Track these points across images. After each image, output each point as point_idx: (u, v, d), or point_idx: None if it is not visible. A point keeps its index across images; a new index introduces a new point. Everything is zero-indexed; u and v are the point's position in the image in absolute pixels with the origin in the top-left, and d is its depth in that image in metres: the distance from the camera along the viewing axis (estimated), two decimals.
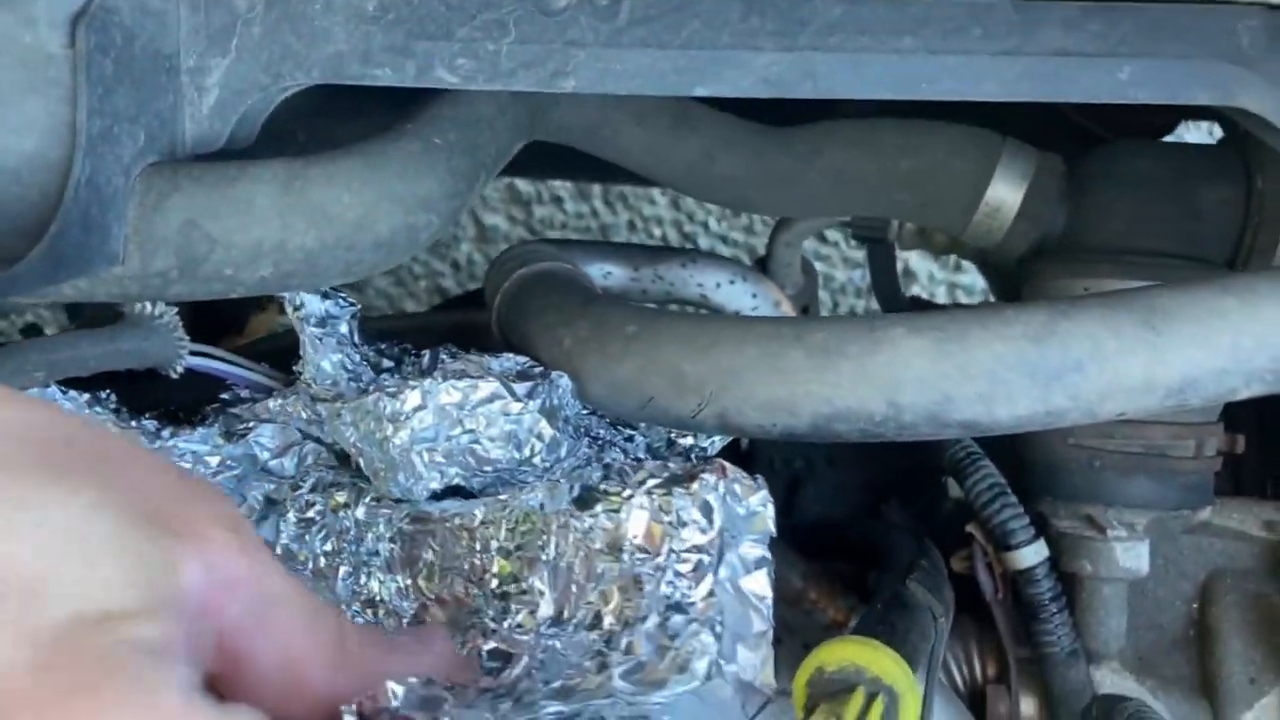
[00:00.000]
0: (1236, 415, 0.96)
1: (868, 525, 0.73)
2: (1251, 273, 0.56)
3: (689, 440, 0.67)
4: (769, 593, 0.50)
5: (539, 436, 0.55)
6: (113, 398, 0.62)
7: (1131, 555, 0.68)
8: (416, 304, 1.90)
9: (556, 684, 0.46)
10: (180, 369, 0.60)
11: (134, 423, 0.60)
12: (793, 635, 0.65)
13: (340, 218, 0.54)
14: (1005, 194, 0.72)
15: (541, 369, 0.58)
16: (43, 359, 0.56)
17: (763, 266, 0.99)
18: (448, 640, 0.47)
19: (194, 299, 0.56)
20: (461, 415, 0.54)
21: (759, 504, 0.51)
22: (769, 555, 0.51)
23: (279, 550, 0.57)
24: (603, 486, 0.51)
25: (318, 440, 0.61)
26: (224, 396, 0.64)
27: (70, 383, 0.60)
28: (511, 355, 0.60)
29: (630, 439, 0.64)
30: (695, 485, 0.50)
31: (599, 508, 0.50)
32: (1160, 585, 0.72)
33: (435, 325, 0.72)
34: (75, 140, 0.50)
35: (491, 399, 0.55)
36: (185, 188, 0.53)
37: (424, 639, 0.45)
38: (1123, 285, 0.66)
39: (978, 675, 0.73)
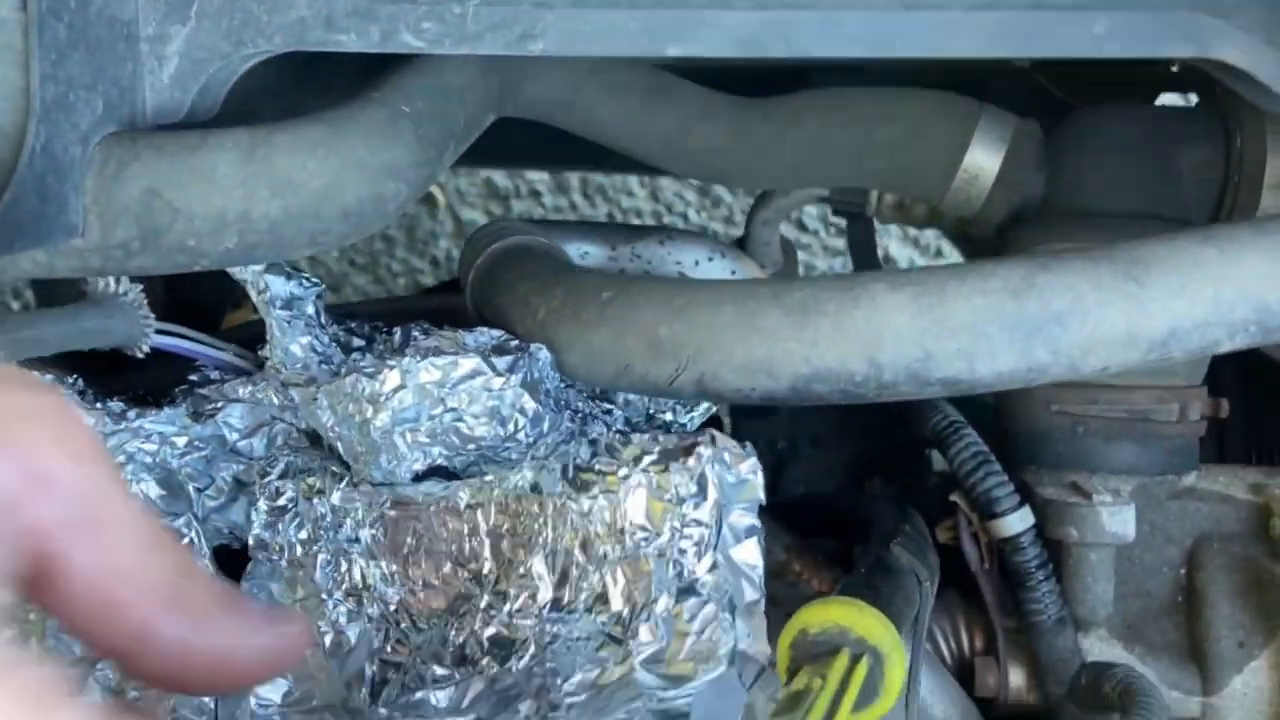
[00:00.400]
0: (1220, 380, 0.96)
1: (851, 497, 0.73)
2: (1233, 224, 0.55)
3: (668, 416, 0.66)
4: (759, 561, 0.50)
5: (522, 411, 0.54)
6: (79, 381, 0.60)
7: (1118, 520, 0.67)
8: None
9: (576, 677, 0.46)
10: (146, 348, 0.59)
11: (99, 404, 0.59)
12: (777, 607, 0.63)
13: (305, 186, 0.53)
14: (983, 160, 0.71)
15: (518, 342, 0.57)
16: (3, 338, 0.54)
17: (741, 246, 0.98)
18: (307, 630, 0.41)
19: (157, 272, 0.54)
20: (443, 393, 0.53)
21: (749, 472, 0.51)
22: (758, 524, 0.50)
23: (251, 540, 0.56)
24: (597, 466, 0.51)
25: (288, 420, 0.60)
26: (192, 378, 0.62)
27: (35, 364, 0.58)
28: (486, 330, 0.59)
29: (609, 412, 0.63)
30: (691, 460, 0.49)
31: (596, 489, 0.50)
32: (1147, 551, 0.71)
33: (412, 309, 0.71)
34: (29, 106, 0.48)
35: (473, 375, 0.54)
36: (145, 156, 0.52)
37: (278, 618, 0.39)
38: None
39: (965, 647, 0.72)
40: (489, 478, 0.53)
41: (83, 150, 0.51)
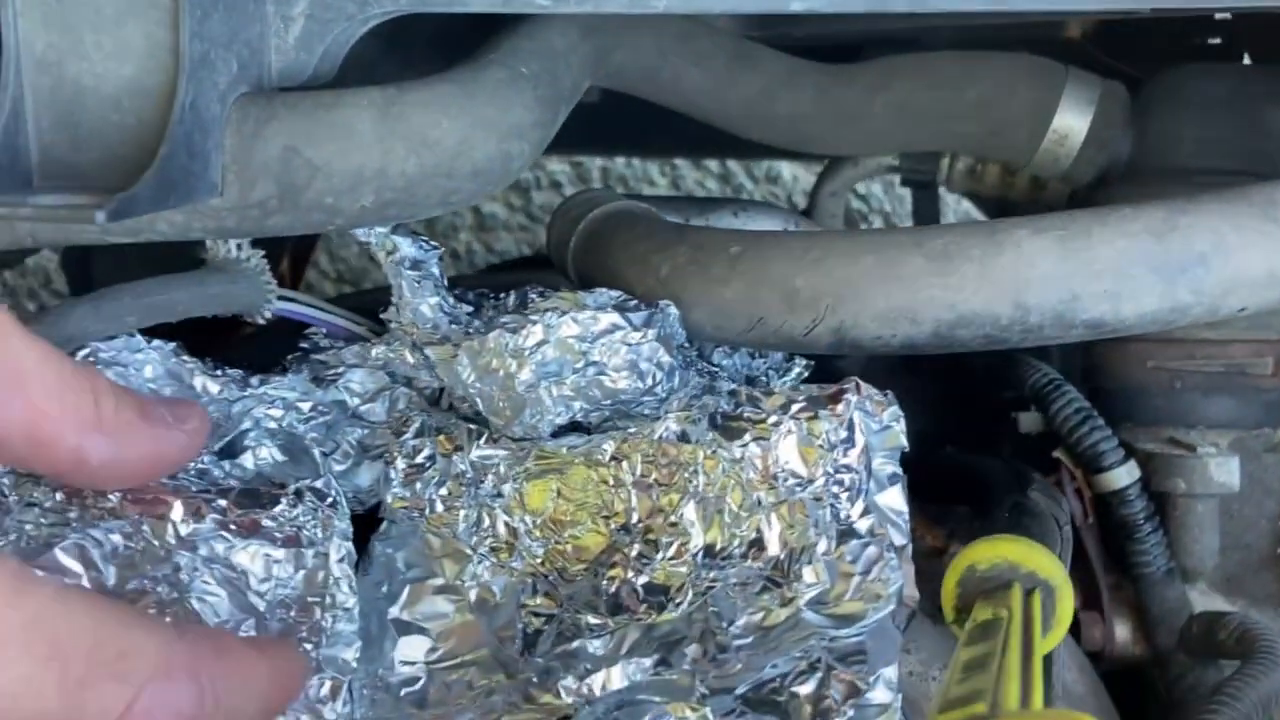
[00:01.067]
0: None
1: (955, 456, 0.73)
2: None
3: (761, 379, 0.66)
4: (905, 507, 0.50)
5: (659, 365, 0.54)
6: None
7: (1224, 470, 0.67)
8: None
9: (741, 620, 0.46)
10: (268, 314, 0.59)
11: (219, 371, 0.58)
12: None
13: (439, 144, 0.53)
14: (1072, 120, 0.72)
15: (641, 300, 0.57)
16: (136, 303, 0.54)
17: (808, 216, 0.98)
18: (205, 419, 0.50)
19: (291, 232, 0.54)
20: (584, 348, 0.53)
21: (891, 419, 0.51)
22: (900, 471, 0.51)
23: (389, 498, 0.56)
24: (744, 414, 0.51)
25: (408, 383, 0.59)
26: (303, 345, 0.62)
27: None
28: (604, 290, 0.59)
29: (715, 374, 0.63)
30: (840, 406, 0.49)
31: (747, 436, 0.50)
32: (1245, 504, 0.71)
33: (493, 284, 0.71)
34: (178, 64, 0.48)
35: (611, 330, 0.54)
36: (283, 114, 0.52)
37: (180, 412, 0.48)
38: None
39: None
40: (631, 429, 0.53)
41: (222, 109, 0.51)
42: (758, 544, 0.49)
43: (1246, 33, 0.88)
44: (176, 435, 0.47)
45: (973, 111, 0.73)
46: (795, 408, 0.51)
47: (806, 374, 0.66)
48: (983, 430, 0.89)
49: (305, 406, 0.58)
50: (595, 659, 0.49)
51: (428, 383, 0.58)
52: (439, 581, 0.54)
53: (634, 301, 0.57)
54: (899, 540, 0.50)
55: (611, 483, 0.52)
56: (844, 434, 0.50)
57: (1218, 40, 0.94)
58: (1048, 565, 0.48)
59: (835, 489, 0.49)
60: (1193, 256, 0.51)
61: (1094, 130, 0.72)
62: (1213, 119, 0.72)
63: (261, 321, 0.59)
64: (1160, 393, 0.71)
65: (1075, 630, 0.71)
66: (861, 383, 0.51)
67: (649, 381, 0.54)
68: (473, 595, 0.53)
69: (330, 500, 0.51)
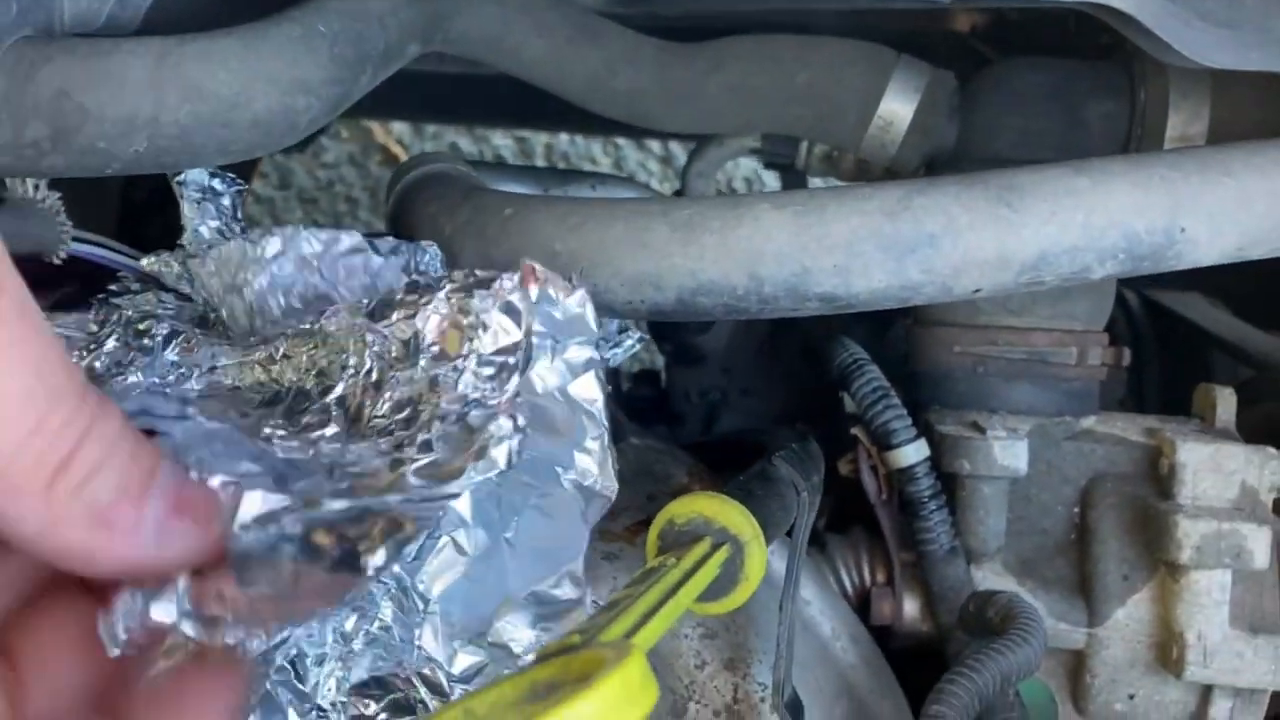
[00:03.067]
0: (1138, 336, 0.98)
1: (760, 431, 0.75)
2: (1108, 157, 0.57)
3: None
4: (599, 395, 0.47)
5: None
6: None
7: (1009, 454, 0.69)
8: None
9: (344, 484, 0.42)
10: (63, 254, 0.61)
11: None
12: None
13: (215, 94, 0.55)
14: (898, 107, 0.73)
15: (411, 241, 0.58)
16: None
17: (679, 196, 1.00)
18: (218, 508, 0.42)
19: (69, 174, 0.56)
20: (321, 264, 0.55)
21: (577, 305, 0.47)
22: (596, 356, 0.48)
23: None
24: (401, 297, 0.48)
25: (187, 298, 0.60)
26: (111, 288, 0.64)
27: None
28: (393, 238, 0.60)
29: None
30: (495, 285, 0.46)
31: (395, 315, 0.47)
32: (1043, 490, 0.73)
33: None
34: None
35: (352, 252, 0.55)
36: (58, 59, 0.53)
37: (188, 507, 0.40)
38: None
39: (867, 580, 0.74)
40: (305, 325, 0.51)
41: None
42: (393, 422, 0.46)
43: None
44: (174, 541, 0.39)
45: (802, 95, 0.74)
46: (449, 287, 0.48)
47: (638, 346, 0.68)
48: (827, 407, 0.91)
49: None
50: None
51: (200, 295, 0.59)
52: None
53: (386, 239, 0.58)
54: (594, 431, 0.47)
55: (275, 377, 0.51)
56: (499, 317, 0.46)
57: (1108, 39, 0.95)
58: (739, 522, 0.49)
59: (480, 369, 0.46)
60: (923, 236, 0.53)
61: (918, 118, 0.73)
62: (1032, 111, 0.73)
63: (57, 261, 0.61)
64: (964, 377, 0.73)
65: (866, 604, 0.73)
66: (538, 267, 0.47)
67: None
68: None
69: None
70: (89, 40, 0.55)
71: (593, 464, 0.46)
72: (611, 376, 1.03)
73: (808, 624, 0.64)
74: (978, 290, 0.54)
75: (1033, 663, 0.61)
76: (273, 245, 0.54)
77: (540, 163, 1.94)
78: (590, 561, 0.56)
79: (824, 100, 0.74)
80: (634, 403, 1.09)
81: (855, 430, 0.71)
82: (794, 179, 0.98)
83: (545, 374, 0.46)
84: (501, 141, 1.90)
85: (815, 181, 1.04)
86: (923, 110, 0.73)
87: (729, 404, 1.02)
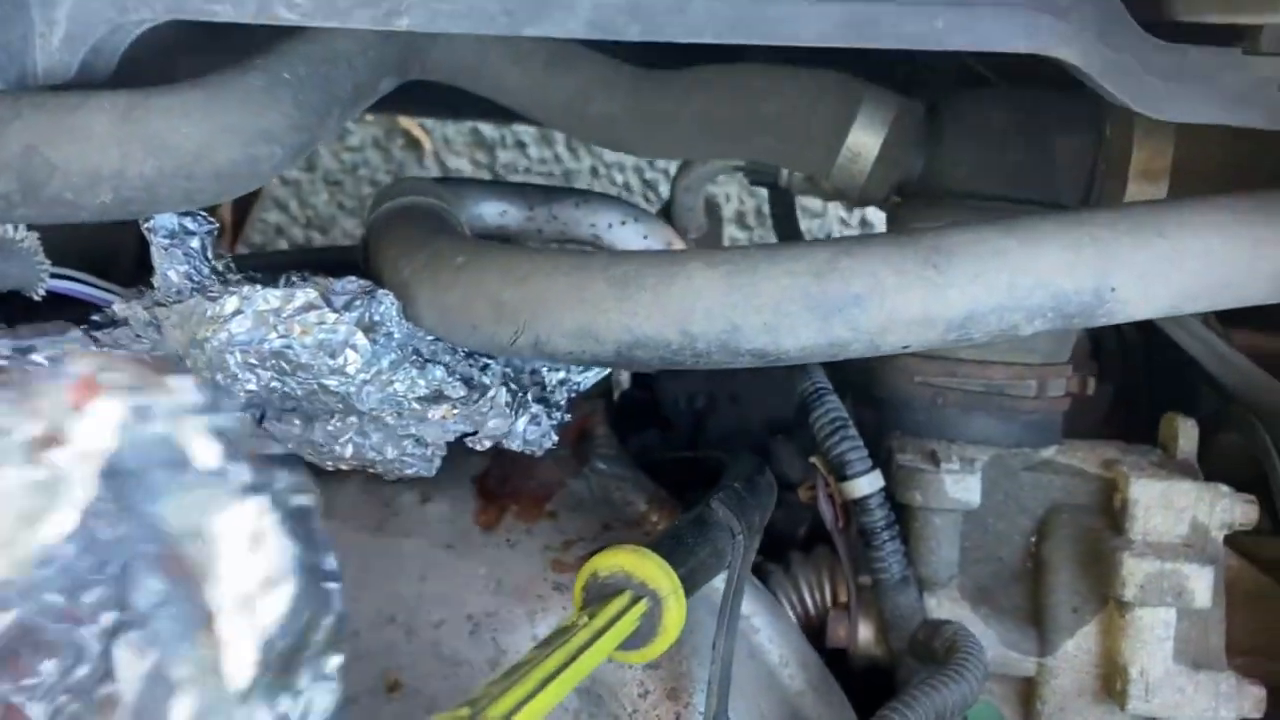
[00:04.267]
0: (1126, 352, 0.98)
1: (717, 457, 0.76)
2: (1039, 215, 0.58)
3: (560, 374, 0.70)
4: None
5: (353, 347, 0.59)
6: None
7: (961, 487, 0.70)
8: None
9: None
10: (42, 291, 0.64)
11: None
12: None
13: (179, 147, 0.57)
14: (866, 139, 0.74)
15: (369, 288, 0.61)
16: None
17: (667, 211, 1.01)
18: None
19: (40, 222, 0.59)
20: (277, 321, 0.58)
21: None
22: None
23: None
24: None
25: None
26: (94, 318, 0.67)
27: None
28: (356, 279, 0.63)
29: (485, 368, 0.67)
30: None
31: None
32: (1000, 519, 0.74)
33: (316, 260, 0.75)
34: None
35: (307, 308, 0.58)
36: (27, 114, 0.56)
37: None
38: None
39: (828, 603, 0.76)
40: None
41: None
42: None
43: None
44: None
45: (772, 125, 0.75)
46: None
47: (605, 372, 0.70)
48: (801, 423, 0.92)
49: None
50: None
51: (166, 345, 0.63)
52: None
53: (347, 285, 0.61)
54: None
55: None
56: None
57: None
58: (657, 576, 0.52)
59: None
60: (849, 297, 0.54)
61: (885, 150, 0.74)
62: (998, 144, 0.74)
63: (36, 297, 0.63)
64: (923, 406, 0.74)
65: (821, 629, 0.75)
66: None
67: (340, 360, 0.58)
68: None
69: None
70: (58, 94, 0.57)
71: None
72: (604, 383, 1.06)
73: (754, 651, 0.67)
74: (905, 347, 0.55)
75: (969, 698, 0.63)
76: (230, 303, 0.57)
77: (560, 148, 1.96)
78: (542, 591, 0.59)
79: (793, 131, 0.75)
80: (628, 408, 1.11)
81: (813, 459, 0.72)
82: (780, 196, 0.99)
83: None
84: (523, 127, 1.92)
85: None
86: (890, 143, 0.74)
87: (716, 410, 1.04)
